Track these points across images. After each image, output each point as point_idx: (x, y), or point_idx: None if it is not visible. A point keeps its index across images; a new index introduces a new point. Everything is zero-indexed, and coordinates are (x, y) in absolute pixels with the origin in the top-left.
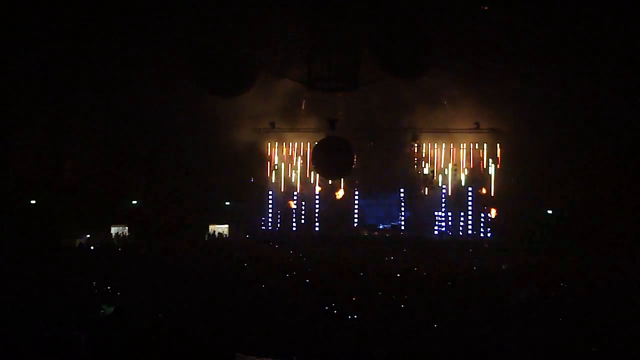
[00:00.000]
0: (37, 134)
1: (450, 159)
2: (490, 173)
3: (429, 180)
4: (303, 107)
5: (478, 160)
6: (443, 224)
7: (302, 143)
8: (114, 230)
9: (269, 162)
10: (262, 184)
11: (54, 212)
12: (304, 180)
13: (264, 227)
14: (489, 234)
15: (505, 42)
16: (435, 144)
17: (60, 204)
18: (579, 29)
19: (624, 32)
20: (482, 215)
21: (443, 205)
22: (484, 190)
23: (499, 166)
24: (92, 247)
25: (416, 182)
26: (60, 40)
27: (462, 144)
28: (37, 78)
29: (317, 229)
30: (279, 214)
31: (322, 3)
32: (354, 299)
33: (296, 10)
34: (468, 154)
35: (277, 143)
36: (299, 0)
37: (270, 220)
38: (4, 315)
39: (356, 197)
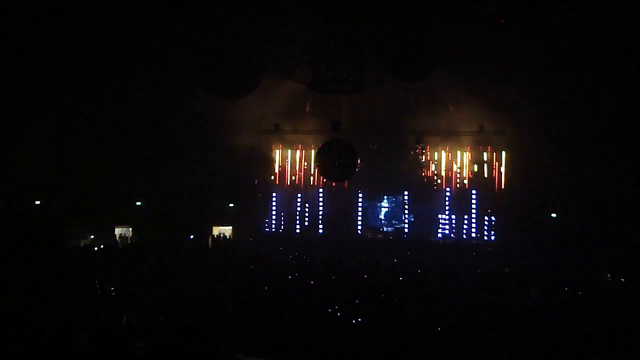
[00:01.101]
0: (41, 134)
1: (455, 162)
2: (494, 176)
3: (433, 183)
4: (307, 109)
5: (482, 163)
6: (447, 226)
7: (306, 145)
8: (117, 231)
9: (272, 164)
10: (266, 186)
11: (58, 212)
12: (308, 182)
13: (267, 229)
14: (492, 237)
15: (510, 45)
16: (440, 147)
17: (64, 204)
18: (586, 32)
19: (632, 36)
20: (486, 218)
21: (447, 208)
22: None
23: (504, 169)
24: (95, 248)
25: (420, 184)
26: (65, 39)
27: (466, 147)
28: (41, 77)
29: (320, 231)
30: (282, 215)
31: (327, 5)
32: (356, 301)
33: (301, 12)
34: (472, 156)
35: (281, 145)
36: (304, 2)
37: (273, 222)
38: (5, 315)
39: (360, 200)
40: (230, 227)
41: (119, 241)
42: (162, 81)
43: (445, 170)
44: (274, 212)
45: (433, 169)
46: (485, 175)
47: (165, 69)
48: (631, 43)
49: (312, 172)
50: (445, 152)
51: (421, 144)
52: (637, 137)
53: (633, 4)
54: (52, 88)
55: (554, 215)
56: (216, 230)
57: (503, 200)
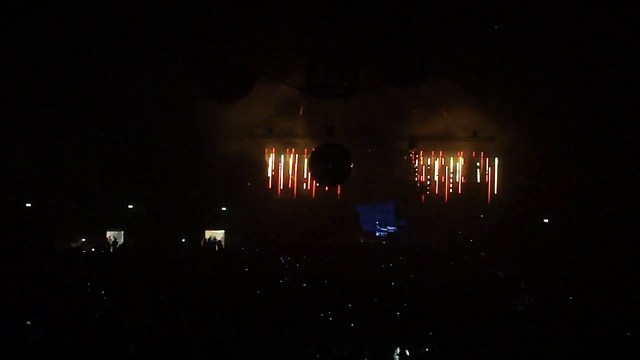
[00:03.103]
0: (33, 136)
1: (448, 167)
2: (487, 181)
3: (426, 188)
4: (301, 114)
5: (475, 169)
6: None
7: (299, 149)
8: (109, 234)
9: (266, 168)
10: (259, 190)
11: (50, 215)
12: (301, 187)
13: (260, 233)
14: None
15: (503, 52)
16: (433, 152)
17: (56, 207)
18: (579, 38)
19: (626, 43)
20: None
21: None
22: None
23: (496, 174)
24: (84, 251)
25: (413, 189)
26: (60, 42)
27: (459, 152)
28: (35, 80)
29: None
30: (276, 219)
31: (322, 11)
32: (349, 305)
33: (296, 17)
34: (465, 162)
35: (274, 149)
36: (299, 7)
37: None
38: None
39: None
40: (223, 231)
41: (111, 244)
42: (155, 84)
43: (438, 175)
44: (266, 216)
45: (426, 173)
46: (478, 181)
47: (159, 72)
48: (624, 50)
49: (305, 177)
50: (439, 157)
51: (414, 149)
52: (629, 143)
53: (624, 16)
54: (44, 92)
55: (545, 220)
56: (208, 234)
57: (495, 206)
